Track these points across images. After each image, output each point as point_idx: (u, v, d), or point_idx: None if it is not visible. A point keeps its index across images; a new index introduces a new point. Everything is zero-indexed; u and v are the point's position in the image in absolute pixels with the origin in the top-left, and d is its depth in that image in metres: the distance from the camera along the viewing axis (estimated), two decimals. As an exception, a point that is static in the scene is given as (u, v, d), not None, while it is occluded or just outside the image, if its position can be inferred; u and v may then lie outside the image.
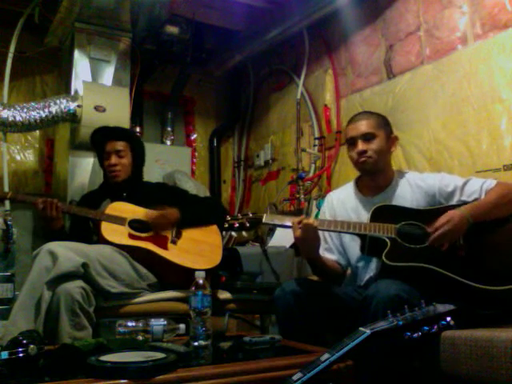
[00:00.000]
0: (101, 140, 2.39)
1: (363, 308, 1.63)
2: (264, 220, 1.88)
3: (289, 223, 1.85)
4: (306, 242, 1.81)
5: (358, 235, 1.83)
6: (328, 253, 1.99)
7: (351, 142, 1.95)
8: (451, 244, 1.73)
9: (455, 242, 1.74)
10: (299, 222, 1.77)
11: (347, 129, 1.99)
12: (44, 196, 2.16)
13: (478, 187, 1.82)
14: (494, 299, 1.65)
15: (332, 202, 2.07)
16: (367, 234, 1.78)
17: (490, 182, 1.83)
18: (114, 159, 2.33)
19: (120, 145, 2.36)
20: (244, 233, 1.96)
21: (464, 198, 1.83)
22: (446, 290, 1.64)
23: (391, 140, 1.95)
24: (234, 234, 1.96)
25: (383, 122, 1.95)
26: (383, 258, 1.72)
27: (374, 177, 1.95)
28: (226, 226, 1.92)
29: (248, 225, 1.90)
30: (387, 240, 1.75)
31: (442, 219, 1.71)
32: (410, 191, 1.91)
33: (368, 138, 1.90)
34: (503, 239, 1.75)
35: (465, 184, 1.85)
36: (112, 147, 2.35)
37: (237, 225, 1.90)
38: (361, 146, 1.90)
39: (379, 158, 1.90)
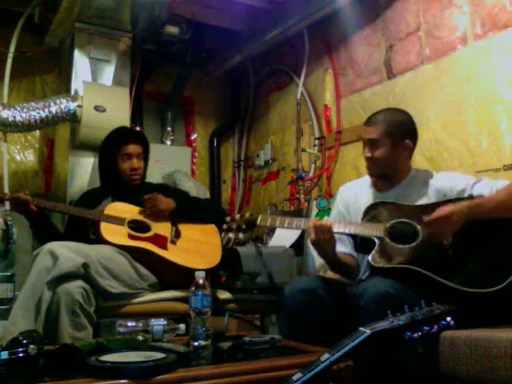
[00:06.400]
0: (124, 141, 2.35)
1: (355, 305, 1.64)
2: (258, 222, 1.91)
3: (281, 224, 1.88)
4: (321, 244, 1.80)
5: (350, 235, 1.85)
6: (340, 243, 1.97)
7: (363, 143, 1.97)
8: (439, 243, 1.73)
9: (443, 242, 1.74)
10: (314, 225, 1.77)
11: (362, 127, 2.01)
12: (44, 196, 2.16)
13: (488, 187, 1.80)
14: (475, 302, 1.63)
15: (345, 193, 2.10)
16: (357, 235, 1.81)
17: (503, 183, 1.80)
18: (137, 162, 2.34)
19: (140, 148, 2.37)
20: (240, 234, 1.99)
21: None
22: (429, 291, 1.62)
23: (402, 146, 1.92)
24: (231, 235, 2.00)
25: (395, 128, 1.91)
26: (368, 258, 1.74)
27: (383, 179, 1.97)
28: (225, 227, 1.95)
29: (244, 226, 1.93)
30: (376, 239, 1.76)
31: (442, 217, 1.68)
32: (422, 188, 1.91)
33: (373, 144, 1.91)
34: (496, 242, 1.73)
35: (475, 183, 1.84)
36: (135, 150, 2.34)
37: (234, 226, 1.93)
38: (366, 151, 1.93)
39: (383, 164, 1.91)
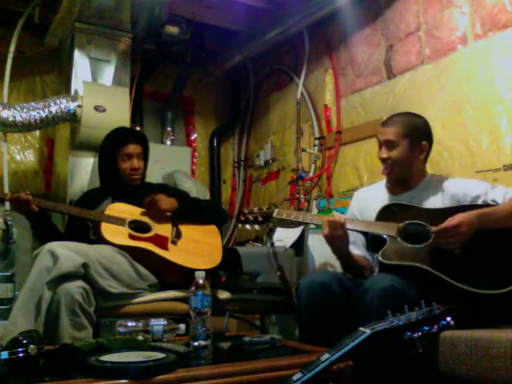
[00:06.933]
0: (124, 141, 2.34)
1: (360, 301, 1.64)
2: (274, 215, 1.97)
3: (296, 218, 1.92)
4: (334, 240, 1.84)
5: (362, 233, 1.87)
6: (353, 246, 1.99)
7: (379, 144, 1.97)
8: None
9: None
10: (328, 221, 1.81)
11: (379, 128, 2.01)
12: (44, 196, 2.16)
13: (501, 195, 1.79)
14: (481, 302, 1.63)
15: (360, 198, 2.11)
16: (369, 233, 1.83)
17: None
18: (137, 163, 2.33)
19: (140, 148, 2.37)
20: (257, 226, 2.05)
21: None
22: (436, 290, 1.63)
23: (418, 148, 1.92)
24: (248, 227, 2.05)
25: (412, 130, 1.91)
26: (378, 255, 1.75)
27: (398, 182, 1.97)
28: (243, 218, 2.03)
29: (261, 219, 2.00)
30: (387, 238, 1.78)
31: (451, 228, 1.68)
32: (436, 193, 1.91)
33: (390, 144, 1.91)
34: (506, 244, 1.72)
35: (490, 190, 1.83)
36: (135, 150, 2.34)
37: (251, 218, 2.01)
38: (382, 152, 1.93)
39: (400, 166, 1.91)
